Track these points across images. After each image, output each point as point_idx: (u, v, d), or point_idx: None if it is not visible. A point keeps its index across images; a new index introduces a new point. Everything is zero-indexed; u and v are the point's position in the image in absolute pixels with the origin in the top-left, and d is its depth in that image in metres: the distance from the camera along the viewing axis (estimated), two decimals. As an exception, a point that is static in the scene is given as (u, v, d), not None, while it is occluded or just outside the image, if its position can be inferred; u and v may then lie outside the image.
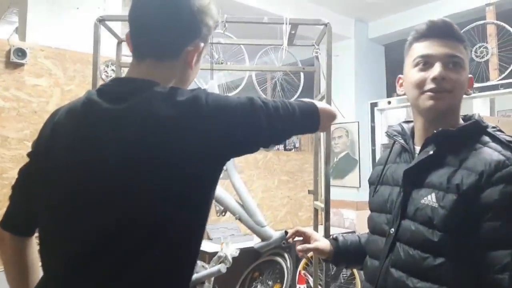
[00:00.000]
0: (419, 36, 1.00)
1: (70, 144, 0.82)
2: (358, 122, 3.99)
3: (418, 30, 1.01)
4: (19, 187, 0.91)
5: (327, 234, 1.53)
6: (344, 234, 1.25)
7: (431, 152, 0.94)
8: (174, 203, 0.77)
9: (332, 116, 0.94)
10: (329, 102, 1.58)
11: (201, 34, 0.87)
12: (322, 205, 1.58)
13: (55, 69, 2.43)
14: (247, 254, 3.52)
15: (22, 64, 2.32)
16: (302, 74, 3.38)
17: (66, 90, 2.44)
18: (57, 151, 0.83)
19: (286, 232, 1.47)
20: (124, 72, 2.44)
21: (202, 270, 1.57)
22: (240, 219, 1.46)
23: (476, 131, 0.96)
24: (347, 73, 4.09)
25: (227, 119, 0.80)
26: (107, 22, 1.55)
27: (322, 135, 1.95)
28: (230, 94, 3.36)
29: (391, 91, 4.23)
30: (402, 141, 1.05)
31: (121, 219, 0.76)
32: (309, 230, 1.27)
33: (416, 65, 0.98)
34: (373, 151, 4.01)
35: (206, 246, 2.91)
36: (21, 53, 2.30)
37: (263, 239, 1.48)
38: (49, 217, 0.83)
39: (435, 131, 0.95)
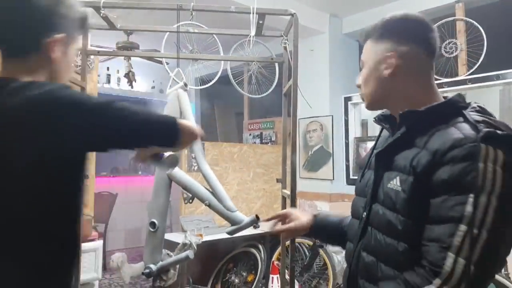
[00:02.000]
0: None
1: None
2: (332, 116, 4.04)
3: None
4: None
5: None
6: (329, 213, 1.28)
7: (399, 135, 0.92)
8: (26, 197, 0.81)
9: (192, 134, 0.95)
10: (295, 91, 1.61)
11: (57, 26, 0.89)
12: (289, 193, 1.61)
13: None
14: (221, 246, 3.54)
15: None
16: (277, 67, 3.40)
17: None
18: None
19: (257, 216, 1.50)
20: (92, 61, 2.42)
21: (167, 258, 1.57)
22: (209, 205, 1.47)
23: (449, 111, 0.89)
24: (321, 68, 4.13)
25: (79, 117, 0.82)
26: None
27: (291, 128, 1.97)
28: (204, 86, 3.36)
29: (364, 85, 4.30)
30: (387, 126, 1.03)
31: None
32: (287, 210, 1.31)
33: None
34: (347, 145, 4.08)
35: (180, 238, 2.91)
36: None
37: (233, 224, 1.50)
38: None
39: (400, 112, 0.93)
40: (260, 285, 3.39)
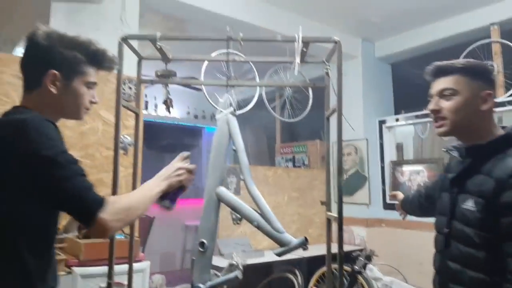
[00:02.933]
0: (429, 79, 1.27)
1: None
2: (367, 139, 4.04)
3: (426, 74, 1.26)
4: None
5: (340, 243, 1.57)
6: (412, 194, 1.68)
7: (467, 163, 1.18)
8: None
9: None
10: (340, 117, 1.65)
11: (54, 63, 1.04)
12: (335, 215, 1.62)
13: (75, 87, 2.54)
14: (258, 271, 3.53)
15: (45, 83, 2.43)
16: (310, 92, 3.46)
17: (86, 107, 2.54)
18: None
19: (305, 238, 1.52)
20: (143, 89, 2.56)
21: (214, 278, 1.61)
22: (258, 226, 1.51)
23: (505, 143, 1.13)
24: (355, 91, 4.17)
25: (26, 155, 0.93)
26: (130, 41, 1.65)
27: (332, 149, 2.00)
28: (241, 112, 3.45)
29: (399, 108, 4.29)
30: (455, 154, 1.25)
31: None
32: (397, 193, 1.79)
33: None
34: (382, 168, 4.04)
35: (218, 261, 2.93)
36: (44, 72, 2.42)
37: (281, 245, 1.52)
38: None
39: (467, 146, 1.19)
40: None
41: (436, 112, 1.20)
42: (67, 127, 2.41)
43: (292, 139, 5.78)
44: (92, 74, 1.12)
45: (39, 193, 0.93)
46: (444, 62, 1.22)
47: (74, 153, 1.08)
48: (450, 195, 1.20)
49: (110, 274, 1.56)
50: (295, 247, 1.48)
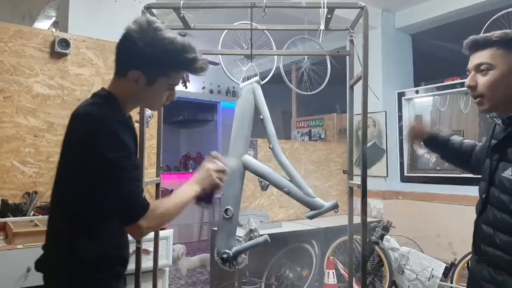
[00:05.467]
0: (466, 54, 1.21)
1: None
2: (386, 111, 3.99)
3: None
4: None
5: (364, 209, 1.58)
6: (456, 138, 1.49)
7: (508, 132, 1.15)
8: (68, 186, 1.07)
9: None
10: (365, 84, 1.63)
11: (141, 64, 1.05)
12: (358, 183, 1.64)
13: (96, 59, 2.55)
14: (275, 241, 3.59)
15: (66, 54, 2.44)
16: (329, 63, 3.41)
17: (106, 79, 2.56)
18: None
19: (336, 202, 1.55)
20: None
21: (238, 244, 1.65)
22: (289, 192, 1.54)
23: None
24: (374, 63, 4.09)
25: (90, 155, 1.01)
26: (153, 10, 1.64)
27: (356, 121, 1.99)
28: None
29: (418, 80, 4.21)
30: (499, 121, 1.21)
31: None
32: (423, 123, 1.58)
33: None
34: (401, 141, 4.01)
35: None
36: (65, 43, 2.42)
37: (313, 210, 1.55)
38: None
39: (506, 116, 1.16)
40: (315, 280, 3.42)
41: (472, 88, 1.17)
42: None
43: (307, 113, 5.75)
44: (178, 77, 1.11)
45: (98, 189, 1.01)
46: (480, 36, 1.17)
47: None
48: (490, 162, 1.19)
49: (138, 240, 1.61)
50: (327, 210, 1.51)
